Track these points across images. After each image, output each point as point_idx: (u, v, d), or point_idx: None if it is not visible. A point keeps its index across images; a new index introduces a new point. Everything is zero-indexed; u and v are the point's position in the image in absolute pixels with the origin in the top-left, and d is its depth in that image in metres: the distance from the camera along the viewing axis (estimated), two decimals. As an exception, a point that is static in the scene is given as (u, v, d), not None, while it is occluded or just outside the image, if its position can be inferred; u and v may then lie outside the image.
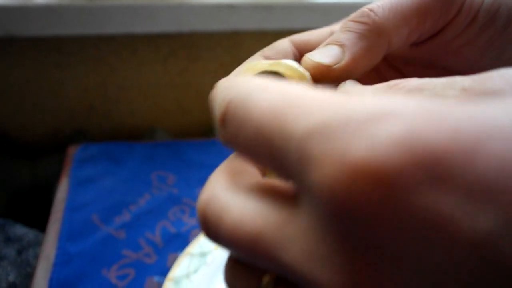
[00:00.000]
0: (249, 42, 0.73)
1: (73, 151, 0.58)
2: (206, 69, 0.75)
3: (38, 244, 0.55)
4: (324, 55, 0.18)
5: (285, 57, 0.21)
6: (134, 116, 0.79)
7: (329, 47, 0.18)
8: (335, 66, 0.17)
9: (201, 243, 0.44)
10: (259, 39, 0.72)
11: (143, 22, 0.63)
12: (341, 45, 0.18)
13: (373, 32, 0.18)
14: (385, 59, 0.22)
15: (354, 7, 0.50)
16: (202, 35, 0.70)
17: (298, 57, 0.21)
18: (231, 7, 0.62)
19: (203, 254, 0.43)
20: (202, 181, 0.55)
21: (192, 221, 0.49)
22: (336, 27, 0.23)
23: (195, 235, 0.47)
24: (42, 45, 0.67)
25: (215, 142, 0.63)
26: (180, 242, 0.46)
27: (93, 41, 0.69)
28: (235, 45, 0.73)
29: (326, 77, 0.18)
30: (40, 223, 0.61)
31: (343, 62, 0.18)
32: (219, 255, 0.43)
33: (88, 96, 0.75)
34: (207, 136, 0.80)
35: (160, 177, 0.55)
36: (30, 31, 0.60)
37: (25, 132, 0.76)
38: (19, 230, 0.56)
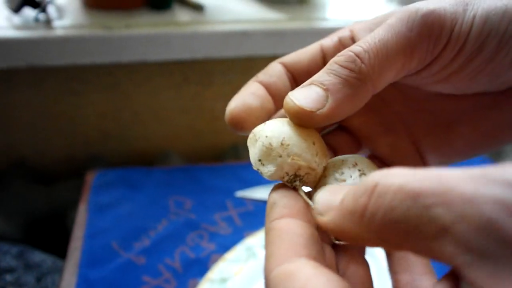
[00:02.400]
0: (261, 67, 0.73)
1: (91, 177, 0.59)
2: (219, 94, 0.77)
3: (56, 270, 0.55)
4: (307, 99, 0.17)
5: (279, 79, 0.22)
6: (148, 141, 0.80)
7: (313, 88, 0.17)
8: (318, 112, 0.17)
9: (221, 268, 0.44)
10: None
11: (157, 50, 0.64)
12: (325, 89, 0.17)
13: (359, 80, 0.17)
14: None
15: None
16: (215, 61, 0.72)
17: (291, 79, 0.22)
18: (244, 34, 0.64)
19: (223, 280, 0.43)
20: (218, 205, 0.55)
21: (210, 246, 0.49)
22: (325, 42, 0.22)
23: (214, 261, 0.47)
24: (60, 73, 0.69)
25: (228, 166, 0.63)
26: (199, 267, 0.46)
27: (109, 69, 0.70)
28: (248, 70, 0.74)
29: (306, 121, 0.18)
30: (57, 249, 0.61)
31: (325, 109, 0.17)
32: (240, 281, 0.43)
33: (104, 122, 0.76)
34: (219, 159, 0.81)
35: (177, 202, 0.55)
36: (49, 61, 0.62)
37: (42, 158, 0.77)
38: (38, 256, 0.56)
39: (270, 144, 0.18)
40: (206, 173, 0.60)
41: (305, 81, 0.19)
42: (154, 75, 0.73)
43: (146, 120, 0.78)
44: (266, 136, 0.18)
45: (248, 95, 0.20)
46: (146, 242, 0.49)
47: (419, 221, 0.11)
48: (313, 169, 0.18)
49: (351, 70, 0.17)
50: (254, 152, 0.18)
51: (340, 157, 0.20)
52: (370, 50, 0.17)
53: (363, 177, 0.19)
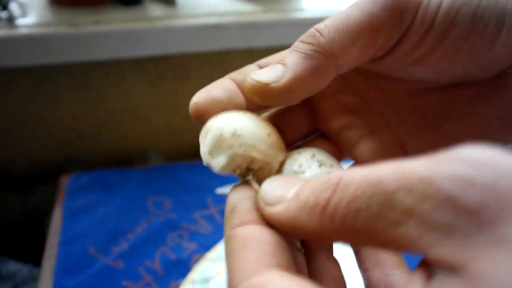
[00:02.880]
0: (238, 61, 0.73)
1: (66, 181, 0.57)
2: (195, 90, 0.74)
3: (32, 280, 0.53)
4: (266, 74, 0.17)
5: None
6: (125, 141, 0.78)
7: (274, 66, 0.17)
8: (273, 85, 0.17)
9: (203, 268, 0.43)
10: (248, 57, 0.72)
11: (129, 46, 0.62)
12: (284, 64, 0.17)
13: (319, 53, 0.17)
14: (358, 73, 0.21)
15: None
16: (190, 56, 0.70)
17: None
18: (218, 27, 0.62)
19: (205, 280, 0.42)
20: (199, 203, 0.54)
21: (192, 246, 0.48)
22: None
23: (196, 261, 0.45)
24: (29, 74, 0.66)
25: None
26: (181, 268, 0.45)
27: (80, 68, 0.68)
28: (224, 64, 0.73)
29: (262, 95, 0.17)
30: (33, 258, 0.59)
31: (282, 81, 0.17)
32: (222, 280, 0.42)
33: (77, 123, 0.74)
34: (199, 157, 0.79)
35: (156, 202, 0.54)
36: (16, 61, 0.59)
37: (13, 162, 0.74)
38: (12, 266, 0.54)
39: (220, 134, 0.16)
40: (185, 171, 0.59)
41: None
42: (127, 73, 0.71)
43: (122, 119, 0.76)
44: (217, 127, 0.17)
45: (215, 88, 0.19)
46: (124, 245, 0.48)
47: (382, 208, 0.11)
48: (268, 163, 0.17)
49: (309, 43, 0.17)
50: (204, 145, 0.17)
51: (296, 150, 0.19)
52: (331, 24, 0.17)
53: (323, 168, 0.18)
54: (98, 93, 0.72)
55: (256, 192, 0.16)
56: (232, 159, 0.17)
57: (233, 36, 0.64)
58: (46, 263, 0.47)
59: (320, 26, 0.17)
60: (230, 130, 0.16)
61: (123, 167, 0.63)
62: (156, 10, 0.65)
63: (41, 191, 0.70)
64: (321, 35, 0.17)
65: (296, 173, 0.18)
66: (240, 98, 0.19)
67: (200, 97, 0.18)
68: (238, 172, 0.17)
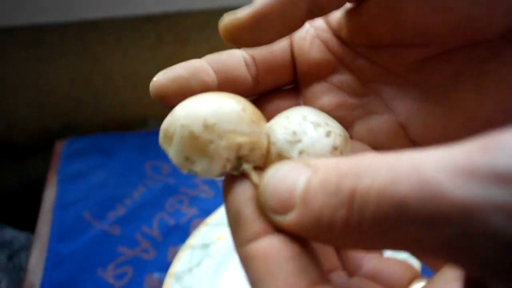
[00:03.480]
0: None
1: (61, 147, 0.55)
2: (196, 53, 0.71)
3: (30, 247, 0.52)
4: (238, 12, 0.16)
5: (235, 60, 0.18)
6: (124, 107, 0.75)
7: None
8: (241, 16, 0.15)
9: (203, 233, 0.41)
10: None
11: (125, 3, 0.59)
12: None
13: None
14: (354, 51, 0.19)
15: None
16: (189, 15, 0.66)
17: (255, 71, 0.19)
18: (218, -19, 0.58)
19: (205, 246, 0.40)
20: (199, 168, 0.51)
21: (191, 211, 0.45)
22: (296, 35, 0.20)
23: (195, 226, 0.43)
24: (20, 36, 0.63)
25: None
26: (180, 234, 0.43)
27: (74, 30, 0.64)
28: (225, 25, 0.69)
29: (234, 32, 0.16)
30: (31, 225, 0.57)
31: (250, 10, 0.15)
32: (223, 246, 0.40)
33: (74, 89, 0.71)
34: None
35: (154, 167, 0.51)
36: (5, 22, 0.56)
37: (10, 131, 0.72)
38: (9, 233, 0.52)
39: (190, 132, 0.13)
40: (185, 136, 0.56)
41: (269, 79, 0.18)
42: (125, 36, 0.67)
43: (120, 85, 0.73)
44: (182, 125, 0.13)
45: (180, 66, 0.17)
46: (121, 211, 0.46)
47: (414, 233, 0.10)
48: (257, 142, 0.14)
49: None
50: (174, 152, 0.14)
51: (280, 115, 0.16)
52: None
53: (320, 130, 0.15)
54: (94, 57, 0.68)
55: (256, 185, 0.13)
56: (217, 155, 0.13)
57: (235, -8, 0.60)
58: (40, 229, 0.45)
59: None
60: (199, 122, 0.13)
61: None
62: (151, -35, 0.61)
63: (39, 159, 0.68)
64: None
65: (291, 143, 0.15)
66: (208, 76, 0.17)
67: (160, 76, 0.16)
68: (229, 167, 0.14)
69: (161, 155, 0.53)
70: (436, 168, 0.09)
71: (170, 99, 0.16)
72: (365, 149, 0.18)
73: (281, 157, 0.15)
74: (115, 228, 0.44)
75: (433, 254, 0.10)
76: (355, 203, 0.10)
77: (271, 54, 0.19)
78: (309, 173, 0.12)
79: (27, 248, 0.51)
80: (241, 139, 0.14)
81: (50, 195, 0.49)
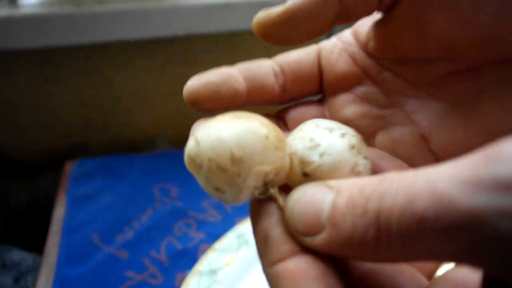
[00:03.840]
0: (248, 43, 0.70)
1: (70, 167, 0.55)
2: (205, 74, 0.72)
3: (37, 268, 0.52)
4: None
5: (264, 70, 0.19)
6: (133, 127, 0.76)
7: None
8: (273, 12, 0.17)
9: (210, 259, 0.40)
10: (259, 39, 0.69)
11: (135, 27, 0.60)
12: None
13: None
14: (379, 63, 0.19)
15: None
16: (198, 38, 0.67)
17: (282, 80, 0.20)
18: (227, 6, 0.59)
19: (213, 272, 0.39)
20: (207, 191, 0.51)
21: (199, 235, 0.45)
22: (324, 44, 0.21)
23: (203, 251, 0.43)
24: (31, 58, 0.64)
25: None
26: (187, 259, 0.43)
27: (85, 51, 0.66)
28: (234, 47, 0.70)
29: (267, 28, 0.17)
30: (39, 246, 0.57)
31: (281, 8, 0.16)
32: (231, 272, 0.39)
33: (84, 109, 0.72)
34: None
35: (163, 189, 0.51)
36: (17, 44, 0.57)
37: (20, 150, 0.73)
38: (17, 255, 0.52)
39: (218, 166, 0.14)
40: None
41: (295, 89, 0.19)
42: (134, 57, 0.68)
43: (129, 106, 0.74)
44: (210, 159, 0.14)
45: (212, 72, 0.18)
46: (129, 234, 0.45)
47: (436, 244, 0.10)
48: (281, 166, 0.15)
49: None
50: (204, 182, 0.15)
51: (294, 131, 0.17)
52: None
53: (335, 132, 0.16)
54: (104, 78, 0.69)
55: (281, 207, 0.14)
56: (245, 187, 0.14)
57: (243, 16, 0.61)
58: (49, 251, 0.45)
59: None
60: (226, 156, 0.14)
61: (131, 154, 0.61)
62: (162, -11, 0.62)
63: (48, 179, 0.68)
64: None
65: (311, 148, 0.15)
66: (238, 83, 0.18)
67: (193, 81, 0.17)
68: (257, 193, 0.15)
69: (170, 177, 0.53)
70: (448, 182, 0.10)
71: (201, 104, 0.17)
72: (383, 156, 0.18)
73: (305, 164, 0.15)
74: (123, 252, 0.44)
75: (455, 260, 0.10)
76: (381, 223, 0.11)
77: (299, 65, 0.20)
78: (332, 195, 0.12)
79: (34, 270, 0.51)
80: (267, 169, 0.14)
81: (58, 216, 0.49)
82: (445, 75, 0.18)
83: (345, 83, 0.20)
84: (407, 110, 0.19)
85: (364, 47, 0.20)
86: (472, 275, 0.13)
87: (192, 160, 0.15)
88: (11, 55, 0.62)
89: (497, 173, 0.09)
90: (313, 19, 0.17)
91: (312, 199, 0.13)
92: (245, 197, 0.14)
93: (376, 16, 0.19)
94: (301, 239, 0.13)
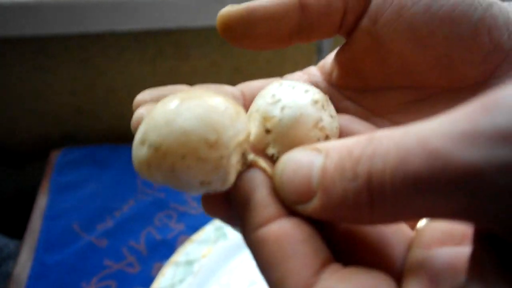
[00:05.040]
0: (240, 38, 0.70)
1: (55, 156, 0.55)
2: (196, 68, 0.72)
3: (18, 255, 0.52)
4: None
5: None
6: (123, 119, 0.76)
7: None
8: (235, 7, 0.17)
9: (187, 250, 0.41)
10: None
11: (127, 19, 0.60)
12: None
13: None
14: (342, 95, 0.19)
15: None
16: (190, 31, 0.67)
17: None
18: (218, 0, 0.59)
19: (189, 263, 0.40)
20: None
21: (179, 227, 0.46)
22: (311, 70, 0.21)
23: (181, 242, 0.43)
24: (24, 46, 0.64)
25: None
26: (166, 249, 0.43)
27: (78, 42, 0.66)
28: (226, 42, 0.70)
29: (227, 23, 0.17)
30: (22, 233, 0.58)
31: (244, 5, 0.17)
32: (207, 264, 0.40)
33: (76, 98, 0.72)
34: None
35: (146, 181, 0.51)
36: (9, 31, 0.57)
37: (11, 138, 0.73)
38: (-1, 240, 0.53)
39: (197, 159, 0.12)
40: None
41: None
42: (126, 49, 0.68)
43: (121, 97, 0.74)
44: (184, 156, 0.12)
45: (165, 88, 0.18)
46: (109, 223, 0.46)
47: (432, 202, 0.10)
48: (249, 129, 0.14)
49: None
50: (182, 183, 0.13)
51: (260, 92, 0.16)
52: None
53: (298, 89, 0.16)
54: (97, 68, 0.70)
55: (265, 170, 0.13)
56: (231, 166, 0.13)
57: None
58: (28, 238, 0.45)
59: None
60: (202, 145, 0.12)
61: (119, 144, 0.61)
62: (155, -18, 0.62)
63: (35, 167, 0.68)
64: None
65: (272, 104, 0.15)
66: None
67: (143, 94, 0.18)
68: (240, 166, 0.14)
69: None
70: (442, 137, 0.10)
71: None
72: (353, 120, 0.18)
73: (266, 120, 0.15)
74: (102, 240, 0.44)
75: (451, 218, 0.10)
76: (373, 186, 0.11)
77: (260, 90, 0.19)
78: (321, 158, 0.12)
79: (15, 255, 0.52)
80: (242, 137, 0.13)
81: (41, 204, 0.49)
82: (406, 103, 0.18)
83: None
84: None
85: (328, 78, 0.20)
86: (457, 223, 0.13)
87: (156, 167, 0.13)
88: (4, 43, 0.62)
89: (496, 123, 0.09)
90: (274, 21, 0.17)
91: (300, 164, 0.12)
92: (232, 177, 0.13)
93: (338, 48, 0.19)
94: (293, 208, 0.13)
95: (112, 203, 0.48)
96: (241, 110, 0.14)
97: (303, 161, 0.12)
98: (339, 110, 0.19)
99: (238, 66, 0.73)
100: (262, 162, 0.14)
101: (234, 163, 0.13)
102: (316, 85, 0.20)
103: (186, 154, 0.12)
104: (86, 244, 0.43)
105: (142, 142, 0.13)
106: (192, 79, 0.73)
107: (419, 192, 0.10)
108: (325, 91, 0.20)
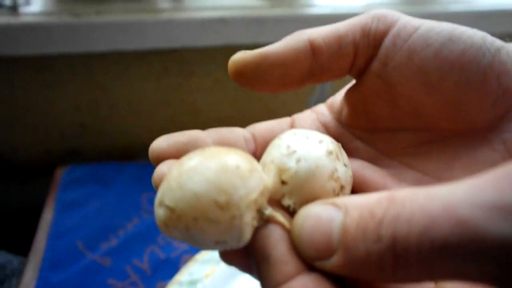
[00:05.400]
0: (244, 57, 0.71)
1: (61, 173, 0.56)
2: (200, 86, 0.73)
3: (22, 272, 0.52)
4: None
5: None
6: (127, 135, 0.77)
7: None
8: (248, 53, 0.17)
9: (191, 270, 0.41)
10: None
11: (133, 38, 0.61)
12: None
13: (297, 37, 0.18)
14: (354, 136, 0.20)
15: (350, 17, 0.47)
16: (194, 50, 0.68)
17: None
18: (222, 20, 0.61)
19: (192, 283, 0.40)
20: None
21: (183, 245, 0.46)
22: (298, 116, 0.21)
23: (185, 261, 0.44)
24: (30, 64, 0.65)
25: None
26: (169, 268, 0.43)
27: (83, 59, 0.67)
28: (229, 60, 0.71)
29: (240, 68, 0.17)
30: (26, 250, 0.58)
31: (256, 51, 0.17)
32: (210, 284, 0.40)
33: (80, 115, 0.73)
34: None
35: (150, 199, 0.52)
36: (17, 51, 0.59)
37: (15, 153, 0.74)
38: (2, 257, 0.53)
39: (208, 221, 0.13)
40: (182, 168, 0.57)
41: None
42: (131, 66, 0.70)
43: (125, 113, 0.75)
44: (196, 219, 0.13)
45: (180, 133, 0.18)
46: (113, 242, 0.46)
47: (461, 268, 0.10)
48: (264, 185, 0.14)
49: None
50: (198, 242, 0.13)
51: (273, 141, 0.17)
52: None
53: (312, 139, 0.16)
54: (101, 85, 0.71)
55: (283, 225, 0.13)
56: (244, 225, 0.13)
57: (238, 31, 0.62)
58: (33, 256, 0.45)
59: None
60: (212, 208, 0.13)
61: (124, 161, 0.62)
62: (159, 2, 0.64)
63: (40, 184, 0.69)
64: (306, 31, 0.18)
65: (287, 155, 0.15)
66: (206, 145, 0.17)
67: (159, 140, 0.17)
68: (255, 223, 0.14)
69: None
70: (471, 208, 0.10)
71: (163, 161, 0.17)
72: (366, 166, 0.18)
73: (282, 171, 0.15)
74: (106, 259, 0.44)
75: (480, 282, 0.10)
76: (398, 249, 0.11)
77: (270, 133, 0.19)
78: (340, 215, 0.12)
79: (19, 273, 0.52)
80: (255, 196, 0.13)
81: (46, 221, 0.50)
82: (416, 144, 0.18)
83: None
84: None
85: (337, 116, 0.20)
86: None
87: (173, 227, 0.13)
88: (11, 61, 0.63)
89: None
90: (286, 67, 0.17)
91: (319, 220, 0.12)
92: (248, 235, 0.13)
93: (348, 85, 0.19)
94: (313, 264, 0.13)
95: (116, 221, 0.49)
96: (255, 166, 0.14)
97: (323, 217, 0.12)
98: (350, 150, 0.19)
99: (241, 84, 0.74)
100: (280, 217, 0.14)
101: (248, 221, 0.13)
102: (325, 125, 0.20)
103: (198, 216, 0.13)
104: (90, 262, 0.44)
105: (160, 204, 0.14)
106: (197, 96, 0.74)
107: (447, 257, 0.10)
108: (335, 130, 0.20)
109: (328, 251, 0.12)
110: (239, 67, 0.17)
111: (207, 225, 0.13)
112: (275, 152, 0.16)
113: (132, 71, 0.70)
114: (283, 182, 0.15)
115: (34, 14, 0.58)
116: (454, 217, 0.10)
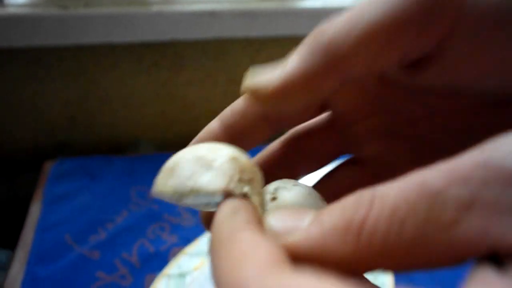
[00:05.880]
0: (235, 50, 0.70)
1: (49, 167, 0.56)
2: (191, 79, 0.73)
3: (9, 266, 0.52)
4: (262, 75, 0.15)
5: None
6: (117, 129, 0.76)
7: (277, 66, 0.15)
8: (266, 87, 0.14)
9: (180, 263, 0.41)
10: (245, 47, 0.70)
11: (123, 31, 0.60)
12: (283, 65, 0.14)
13: (321, 52, 0.14)
14: (402, 89, 0.17)
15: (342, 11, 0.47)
16: (185, 43, 0.68)
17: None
18: (212, 14, 0.60)
19: (181, 275, 0.40)
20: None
21: (172, 239, 0.46)
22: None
23: (174, 254, 0.43)
24: (18, 56, 0.64)
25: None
26: (158, 262, 0.43)
27: (72, 52, 0.66)
28: (221, 54, 0.71)
29: (260, 99, 0.15)
30: (14, 243, 0.57)
31: (274, 83, 0.14)
32: (199, 276, 0.40)
33: (69, 109, 0.72)
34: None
35: (140, 192, 0.52)
36: (3, 43, 0.58)
37: (4, 147, 0.73)
38: (-10, 251, 0.52)
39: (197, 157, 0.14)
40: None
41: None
42: (122, 60, 0.69)
43: (115, 107, 0.74)
44: (188, 159, 0.14)
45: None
46: (102, 235, 0.46)
47: (431, 211, 0.09)
48: (256, 173, 0.14)
49: (311, 42, 0.14)
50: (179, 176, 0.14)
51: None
52: (336, 23, 0.14)
53: (299, 186, 0.15)
54: (91, 79, 0.70)
55: (255, 207, 0.13)
56: (220, 170, 0.14)
57: (228, 24, 0.62)
58: (20, 250, 0.45)
59: (325, 24, 0.14)
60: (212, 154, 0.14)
61: (114, 155, 0.61)
62: (150, -6, 0.63)
63: (29, 177, 0.68)
64: (325, 32, 0.14)
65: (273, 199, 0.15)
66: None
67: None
68: (232, 185, 0.13)
69: (147, 181, 0.54)
70: (459, 156, 0.10)
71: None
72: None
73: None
74: (94, 252, 0.44)
75: (447, 231, 0.10)
76: (374, 200, 0.10)
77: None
78: (315, 212, 0.12)
79: (6, 266, 0.51)
80: (243, 160, 0.14)
81: (34, 215, 0.49)
82: (471, 107, 0.16)
83: (360, 112, 0.18)
84: (432, 142, 0.17)
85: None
86: None
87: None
88: (-3, 53, 0.63)
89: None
90: (315, 91, 0.15)
91: (293, 211, 0.12)
92: (221, 181, 0.14)
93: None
94: (275, 239, 0.11)
95: (105, 214, 0.49)
96: (256, 168, 0.15)
97: (299, 210, 0.12)
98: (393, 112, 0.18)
99: (232, 78, 0.74)
100: (255, 198, 0.14)
101: (227, 171, 0.14)
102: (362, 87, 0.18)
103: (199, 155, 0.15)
104: (78, 256, 0.43)
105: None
106: (187, 90, 0.74)
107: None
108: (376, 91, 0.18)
109: (294, 228, 0.11)
110: (260, 100, 0.15)
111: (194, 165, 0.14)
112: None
113: (122, 64, 0.69)
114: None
115: (20, 5, 0.57)
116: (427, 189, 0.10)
